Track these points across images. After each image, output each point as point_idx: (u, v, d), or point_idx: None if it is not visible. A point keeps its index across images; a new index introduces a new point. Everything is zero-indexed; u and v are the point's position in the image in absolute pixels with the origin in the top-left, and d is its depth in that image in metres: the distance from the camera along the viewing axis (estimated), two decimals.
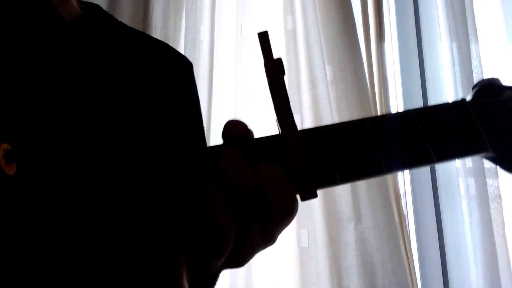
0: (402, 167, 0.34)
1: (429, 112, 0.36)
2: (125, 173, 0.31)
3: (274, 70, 0.34)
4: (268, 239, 0.32)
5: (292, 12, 1.29)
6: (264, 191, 0.30)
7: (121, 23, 0.54)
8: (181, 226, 0.28)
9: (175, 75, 0.53)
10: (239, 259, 0.32)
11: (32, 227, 0.29)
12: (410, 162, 0.34)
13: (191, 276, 0.30)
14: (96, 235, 0.29)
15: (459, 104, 0.37)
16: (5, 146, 0.29)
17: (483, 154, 0.36)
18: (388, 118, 0.36)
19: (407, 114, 0.36)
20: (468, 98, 0.38)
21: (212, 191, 0.29)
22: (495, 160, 0.37)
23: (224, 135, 0.34)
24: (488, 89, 0.38)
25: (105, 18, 0.52)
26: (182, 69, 0.55)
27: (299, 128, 0.33)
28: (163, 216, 0.29)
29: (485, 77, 0.40)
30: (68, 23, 0.47)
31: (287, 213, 0.31)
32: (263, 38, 0.34)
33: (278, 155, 0.33)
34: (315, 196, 0.32)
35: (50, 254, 0.29)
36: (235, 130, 0.34)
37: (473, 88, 0.39)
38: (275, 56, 0.34)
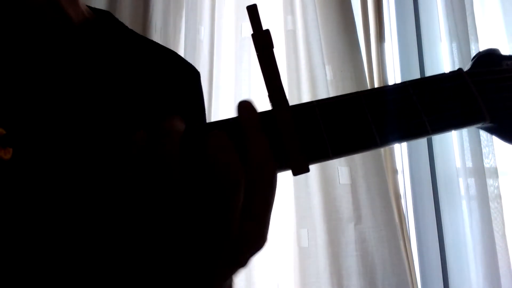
0: (397, 139, 0.34)
1: (424, 83, 0.35)
2: (118, 161, 0.31)
3: (263, 42, 0.33)
4: (254, 218, 0.30)
5: (292, 12, 1.29)
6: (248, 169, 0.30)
7: (131, 30, 0.55)
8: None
9: (182, 83, 0.53)
10: (229, 253, 0.30)
11: (27, 212, 0.29)
12: (405, 134, 0.33)
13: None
14: (91, 221, 0.29)
15: (456, 74, 0.36)
16: (0, 131, 0.29)
17: (480, 124, 0.36)
18: (383, 91, 0.35)
19: (402, 86, 0.35)
20: (467, 68, 0.38)
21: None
22: (493, 130, 0.36)
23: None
24: (487, 59, 0.37)
25: (115, 25, 0.53)
26: (189, 77, 0.56)
27: None
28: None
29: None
30: (77, 26, 0.47)
31: (266, 186, 0.30)
32: (252, 11, 0.33)
33: (270, 129, 0.32)
34: (307, 170, 0.31)
35: (45, 239, 0.29)
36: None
37: (472, 59, 0.38)
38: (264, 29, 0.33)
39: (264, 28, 0.33)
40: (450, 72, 0.36)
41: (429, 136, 0.34)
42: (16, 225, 0.29)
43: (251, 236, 0.30)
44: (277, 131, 0.32)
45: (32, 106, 0.37)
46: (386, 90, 0.35)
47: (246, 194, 0.29)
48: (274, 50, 0.33)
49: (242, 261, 0.31)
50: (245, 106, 0.32)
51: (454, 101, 0.35)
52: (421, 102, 0.34)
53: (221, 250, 0.29)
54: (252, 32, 0.33)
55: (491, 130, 0.36)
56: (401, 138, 0.34)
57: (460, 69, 0.36)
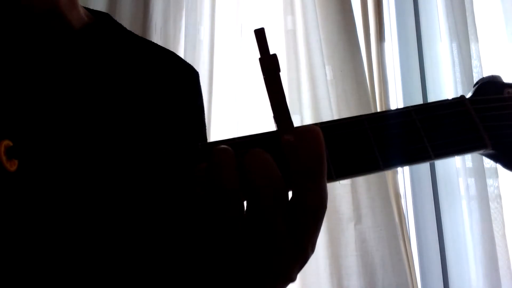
0: (400, 163, 0.34)
1: (427, 109, 0.36)
2: (124, 171, 0.31)
3: (270, 66, 0.33)
4: (300, 245, 0.31)
5: (292, 12, 1.29)
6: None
7: (130, 32, 0.55)
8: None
9: (180, 83, 0.54)
10: (277, 270, 0.30)
11: (32, 223, 0.29)
12: (408, 159, 0.34)
13: None
14: (96, 233, 0.29)
15: (458, 101, 0.37)
16: (6, 142, 0.29)
17: (482, 152, 0.36)
18: (386, 115, 0.35)
19: (405, 111, 0.35)
20: (469, 95, 0.38)
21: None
22: (494, 157, 0.36)
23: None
24: (489, 86, 0.38)
25: (114, 27, 0.53)
26: (188, 77, 0.56)
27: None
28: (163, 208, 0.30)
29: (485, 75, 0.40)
30: (77, 31, 0.47)
31: (315, 210, 0.30)
32: (260, 34, 0.34)
33: (275, 151, 0.32)
34: None
35: (49, 251, 0.29)
36: None
37: (474, 86, 0.39)
38: (271, 53, 0.34)
39: (270, 51, 0.34)
40: (453, 99, 0.37)
41: (431, 161, 0.34)
42: (21, 237, 0.29)
43: (298, 251, 0.30)
44: (281, 153, 0.32)
45: (37, 116, 0.38)
46: (389, 115, 0.36)
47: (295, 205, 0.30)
48: (278, 59, 0.34)
49: (292, 275, 0.31)
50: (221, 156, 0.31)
51: (456, 128, 0.35)
52: (424, 128, 0.35)
53: (271, 265, 0.30)
54: (259, 55, 0.34)
55: (493, 157, 0.37)
56: (403, 162, 0.34)
57: (462, 96, 0.37)
